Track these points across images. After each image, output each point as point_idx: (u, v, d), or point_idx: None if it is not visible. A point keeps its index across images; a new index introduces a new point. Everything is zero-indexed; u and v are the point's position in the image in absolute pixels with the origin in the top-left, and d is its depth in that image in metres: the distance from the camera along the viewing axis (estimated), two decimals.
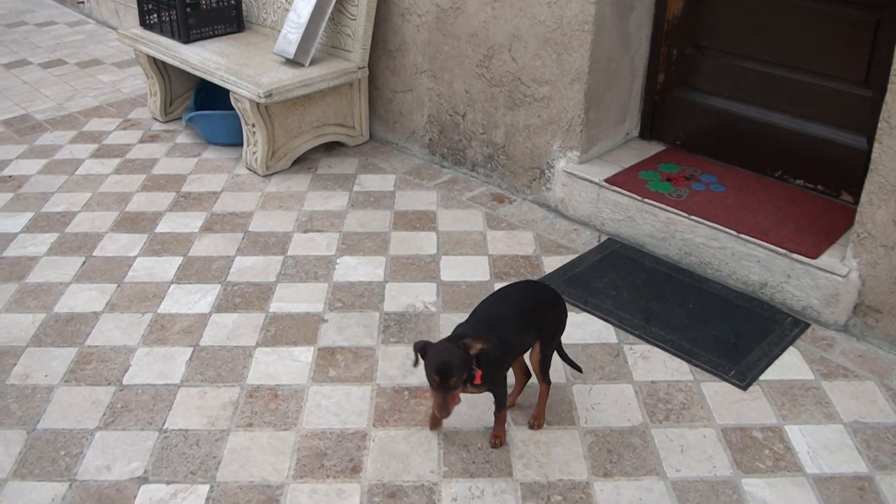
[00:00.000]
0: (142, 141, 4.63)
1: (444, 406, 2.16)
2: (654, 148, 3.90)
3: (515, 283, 2.53)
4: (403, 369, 2.81)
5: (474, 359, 2.21)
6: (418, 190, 4.05)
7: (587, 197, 3.64)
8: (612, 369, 2.82)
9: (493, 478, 2.39)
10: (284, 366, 2.83)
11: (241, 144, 4.38)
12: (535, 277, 3.31)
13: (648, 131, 3.96)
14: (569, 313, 3.10)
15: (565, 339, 2.95)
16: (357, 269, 3.38)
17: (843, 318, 3.02)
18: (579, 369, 2.71)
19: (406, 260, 3.44)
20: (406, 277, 3.32)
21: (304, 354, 2.89)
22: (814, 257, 3.04)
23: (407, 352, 2.89)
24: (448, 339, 2.25)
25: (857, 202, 2.97)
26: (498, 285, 3.25)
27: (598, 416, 2.61)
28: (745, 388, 2.75)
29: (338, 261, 3.45)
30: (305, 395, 2.70)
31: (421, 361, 2.23)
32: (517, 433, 2.54)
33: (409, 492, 2.35)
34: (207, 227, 3.72)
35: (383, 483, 2.37)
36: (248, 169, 4.25)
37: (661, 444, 2.51)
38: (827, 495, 2.36)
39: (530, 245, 3.56)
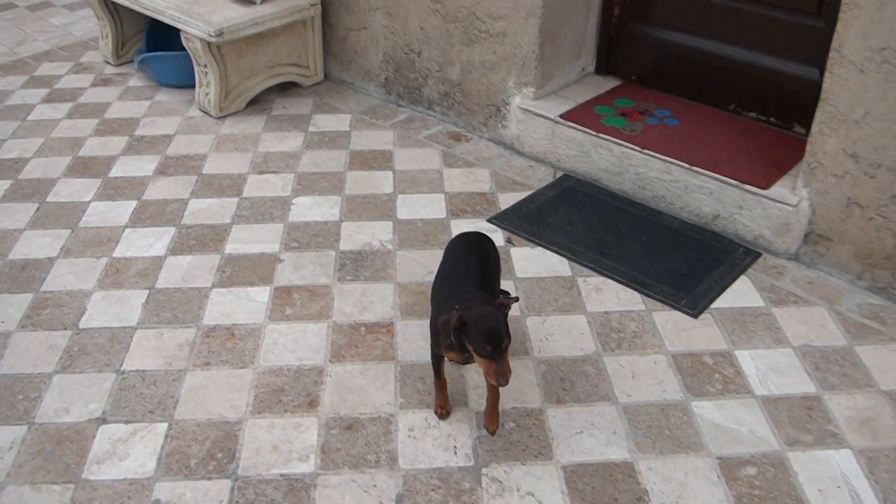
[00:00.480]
0: (94, 85, 4.54)
1: (503, 372, 1.98)
2: (609, 83, 3.89)
3: (460, 241, 2.47)
4: (360, 306, 2.82)
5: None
6: (374, 129, 4.02)
7: (542, 133, 3.64)
8: (566, 301, 2.86)
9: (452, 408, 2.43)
10: (241, 306, 2.84)
11: (193, 86, 4.31)
12: (491, 214, 3.33)
13: (604, 66, 3.95)
14: (524, 247, 3.14)
15: (520, 273, 2.99)
16: (312, 209, 3.37)
17: (794, 246, 3.07)
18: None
19: (362, 199, 3.43)
20: (362, 216, 3.32)
21: (261, 294, 2.89)
22: (765, 188, 3.08)
23: (364, 289, 2.90)
24: (477, 305, 2.09)
25: (808, 133, 2.99)
26: (454, 223, 3.26)
27: (551, 347, 2.65)
28: (696, 316, 2.80)
29: (293, 201, 3.43)
30: (262, 333, 2.71)
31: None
32: (471, 366, 2.58)
33: (366, 423, 2.38)
34: (161, 171, 3.67)
35: (340, 416, 2.40)
36: (202, 111, 4.19)
37: (613, 372, 2.56)
38: (775, 415, 2.43)
39: (486, 182, 3.57)
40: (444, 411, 2.38)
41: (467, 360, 2.18)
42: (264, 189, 3.52)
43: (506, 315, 2.05)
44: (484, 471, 2.24)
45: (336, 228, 3.24)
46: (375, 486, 2.19)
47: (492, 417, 2.34)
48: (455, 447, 2.31)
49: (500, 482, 2.21)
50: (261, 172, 3.65)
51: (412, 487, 2.19)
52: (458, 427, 2.37)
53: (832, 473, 2.25)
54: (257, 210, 3.37)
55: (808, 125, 3.33)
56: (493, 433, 2.32)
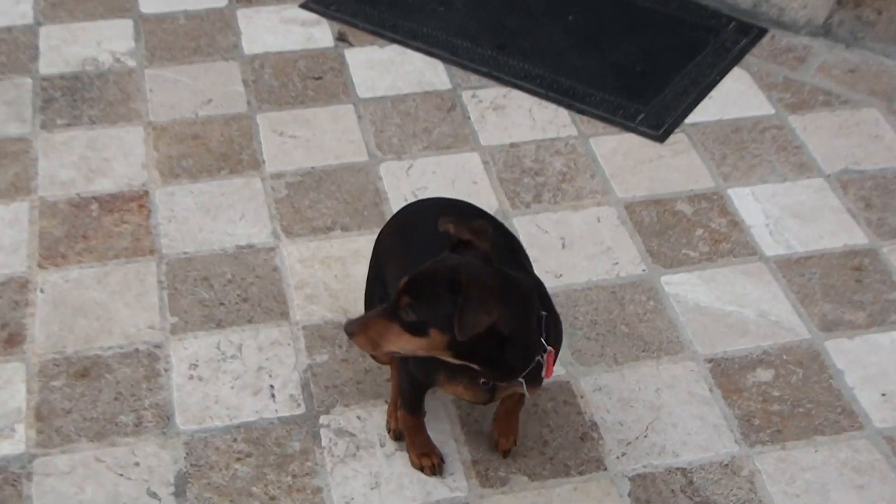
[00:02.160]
0: None
1: (355, 325, 1.89)
2: None
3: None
4: (86, 168, 2.80)
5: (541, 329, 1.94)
6: None
7: None
8: (445, 131, 2.90)
9: (257, 324, 2.46)
10: None
11: None
12: None
13: None
14: (369, 47, 3.14)
15: (364, 90, 3.00)
16: None
17: (822, 14, 3.16)
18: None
19: None
20: (76, 14, 3.24)
21: None
22: None
23: (91, 139, 2.87)
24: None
25: None
26: (243, 14, 3.22)
27: None
28: (661, 138, 2.88)
29: None
30: None
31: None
32: (291, 248, 2.61)
33: (113, 363, 2.38)
34: None
35: (66, 355, 2.39)
36: None
37: (531, 240, 2.60)
38: (800, 284, 2.54)
39: None
40: (435, 462, 2.25)
41: (489, 397, 2.05)
42: None
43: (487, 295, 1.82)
44: (323, 420, 2.28)
45: (30, 38, 3.17)
46: (138, 463, 2.20)
47: (505, 427, 2.27)
48: (272, 387, 2.34)
49: (353, 435, 2.25)
50: None
51: (202, 459, 2.21)
52: (274, 354, 2.40)
53: None
54: None
55: None
56: (504, 453, 2.27)
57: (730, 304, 2.50)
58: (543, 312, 1.92)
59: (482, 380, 1.94)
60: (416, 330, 1.83)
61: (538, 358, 1.90)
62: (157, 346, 2.42)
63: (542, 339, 1.91)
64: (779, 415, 2.30)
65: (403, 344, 1.85)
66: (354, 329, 1.87)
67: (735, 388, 2.34)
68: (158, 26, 3.20)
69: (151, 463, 2.21)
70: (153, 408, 2.30)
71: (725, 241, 2.64)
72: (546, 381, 2.20)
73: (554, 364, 1.96)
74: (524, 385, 1.94)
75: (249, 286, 2.53)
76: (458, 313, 1.75)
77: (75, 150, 2.85)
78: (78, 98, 2.98)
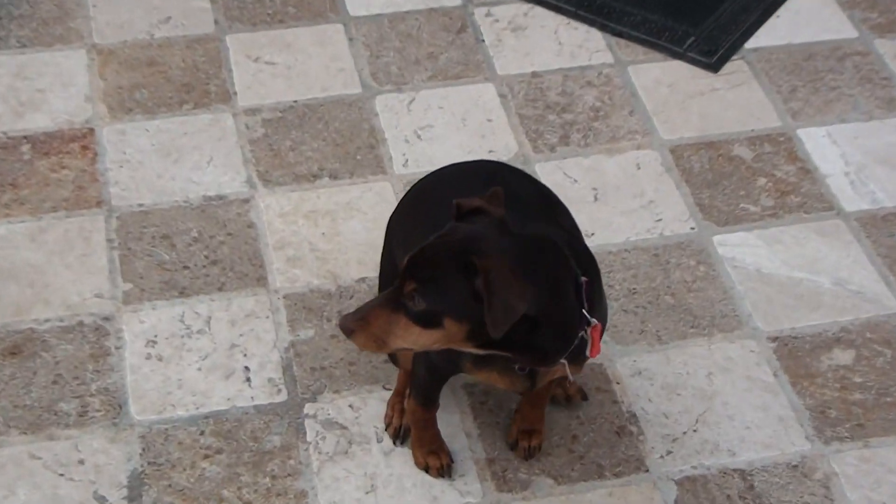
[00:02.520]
0: None
1: (353, 320, 1.87)
2: None
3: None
4: (15, 102, 2.79)
5: (583, 297, 1.90)
6: None
7: None
8: (454, 57, 2.89)
9: (229, 292, 2.45)
10: None
11: None
12: None
13: None
14: None
15: (356, 6, 2.97)
16: None
17: None
18: None
19: None
20: None
21: None
22: None
23: (21, 66, 2.86)
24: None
25: None
26: None
27: (429, 152, 2.67)
28: (715, 67, 2.86)
29: None
30: None
31: None
32: (269, 199, 2.60)
33: (51, 339, 2.36)
34: None
35: None
36: None
37: (557, 190, 2.55)
38: (889, 245, 2.53)
39: None
40: (443, 462, 2.27)
41: (530, 384, 2.03)
42: None
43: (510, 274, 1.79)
44: (309, 409, 2.27)
45: None
46: (82, 461, 2.18)
47: (528, 419, 2.25)
48: (247, 369, 2.33)
49: (344, 427, 2.24)
50: None
51: (161, 456, 2.19)
52: (251, 327, 2.39)
53: None
54: None
55: None
56: (527, 454, 2.25)
57: (799, 271, 2.48)
58: (584, 278, 1.85)
59: (517, 365, 1.90)
60: (428, 321, 1.80)
61: (581, 333, 1.85)
62: (107, 319, 2.40)
63: (585, 311, 1.85)
64: (861, 405, 2.28)
65: (415, 339, 1.82)
66: (352, 325, 1.83)
67: (806, 373, 2.33)
68: None
69: (99, 460, 2.19)
70: (101, 393, 2.28)
71: (794, 193, 2.62)
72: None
73: (601, 339, 1.89)
74: (567, 366, 1.90)
75: (219, 246, 2.52)
76: (487, 306, 1.71)
77: (1, 80, 2.83)
78: (3, 15, 2.96)
